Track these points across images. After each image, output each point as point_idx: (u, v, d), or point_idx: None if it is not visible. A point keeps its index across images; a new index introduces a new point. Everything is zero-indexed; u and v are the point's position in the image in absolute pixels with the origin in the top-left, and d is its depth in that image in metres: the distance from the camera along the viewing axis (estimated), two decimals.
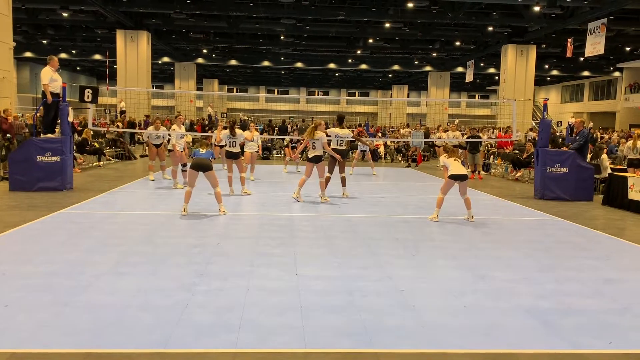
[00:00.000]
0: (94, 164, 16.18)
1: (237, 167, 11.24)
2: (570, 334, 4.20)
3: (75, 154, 14.40)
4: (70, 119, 12.38)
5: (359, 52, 35.12)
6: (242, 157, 11.60)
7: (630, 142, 14.72)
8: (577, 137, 12.11)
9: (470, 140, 16.66)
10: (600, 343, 4.04)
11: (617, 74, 40.13)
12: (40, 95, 11.97)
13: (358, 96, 62.72)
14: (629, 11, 23.11)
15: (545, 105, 13.13)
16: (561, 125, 34.91)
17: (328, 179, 10.72)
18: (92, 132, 16.78)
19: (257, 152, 13.93)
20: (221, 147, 12.79)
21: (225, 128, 11.60)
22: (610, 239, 7.90)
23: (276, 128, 25.40)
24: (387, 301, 4.82)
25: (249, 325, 4.17)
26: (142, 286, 5.02)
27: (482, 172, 16.84)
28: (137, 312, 4.38)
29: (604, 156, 14.28)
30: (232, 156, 11.13)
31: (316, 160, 10.26)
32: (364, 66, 40.50)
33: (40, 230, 7.33)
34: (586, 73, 41.02)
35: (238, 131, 11.23)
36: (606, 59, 35.12)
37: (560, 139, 19.06)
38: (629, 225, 9.17)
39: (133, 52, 27.44)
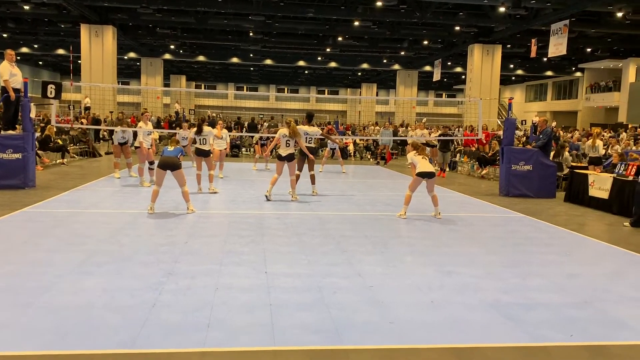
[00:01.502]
0: (58, 161, 15.78)
1: (207, 164, 11.15)
2: (533, 327, 4.31)
3: (39, 152, 14.04)
4: (33, 115, 12.06)
5: (328, 49, 35.17)
6: (212, 155, 11.50)
7: (590, 141, 15.18)
8: (541, 136, 12.42)
9: (442, 138, 16.89)
10: (561, 336, 4.16)
11: (578, 74, 41.26)
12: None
13: (327, 94, 62.81)
14: (590, 13, 23.79)
15: (510, 104, 13.42)
16: (525, 124, 35.72)
17: (297, 177, 10.72)
18: (55, 129, 16.36)
19: (226, 149, 13.84)
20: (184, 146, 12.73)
21: (193, 126, 11.48)
22: (571, 235, 8.13)
23: (245, 125, 25.21)
24: (356, 298, 4.86)
25: (218, 324, 4.15)
26: (107, 286, 4.94)
27: (447, 170, 17.09)
28: (103, 312, 4.30)
29: (567, 154, 14.69)
30: (202, 154, 11.04)
31: (289, 158, 10.22)
32: (333, 64, 40.56)
33: (0, 230, 7.12)
34: (549, 73, 42.04)
35: (206, 128, 11.13)
36: (568, 60, 36.05)
37: (525, 138, 19.49)
38: (589, 221, 9.45)
39: (98, 47, 26.83)
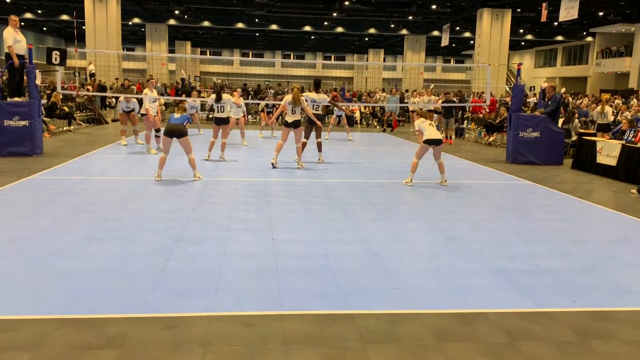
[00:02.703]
0: (64, 128, 15.81)
1: (223, 132, 11.07)
2: (537, 293, 4.35)
3: (45, 119, 14.04)
4: (38, 81, 12.01)
5: (334, 14, 34.54)
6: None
7: (599, 107, 15.00)
8: (549, 102, 12.27)
9: (445, 105, 16.74)
10: (565, 302, 4.19)
11: (589, 39, 40.44)
12: (3, 57, 11.55)
13: (334, 60, 62.01)
14: None
15: (519, 70, 13.22)
16: (534, 90, 35.28)
17: (304, 145, 10.69)
18: (61, 96, 16.33)
19: (243, 117, 13.93)
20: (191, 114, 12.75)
21: (199, 94, 11.43)
22: (578, 202, 8.12)
23: (251, 92, 25.04)
24: (362, 264, 4.91)
25: (225, 289, 4.21)
26: (116, 252, 5.00)
27: (452, 137, 16.98)
28: (112, 277, 4.37)
29: (577, 121, 14.56)
30: (220, 121, 10.96)
31: (295, 125, 10.18)
32: (340, 29, 39.93)
33: (9, 197, 7.19)
34: (560, 38, 41.23)
35: (225, 96, 11.09)
36: (579, 24, 35.27)
37: (534, 104, 19.29)
38: (596, 188, 9.42)
39: (102, 12, 26.50)
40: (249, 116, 22.51)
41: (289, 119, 10.16)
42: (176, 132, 8.46)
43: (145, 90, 12.29)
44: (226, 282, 4.33)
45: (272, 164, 10.21)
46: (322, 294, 4.18)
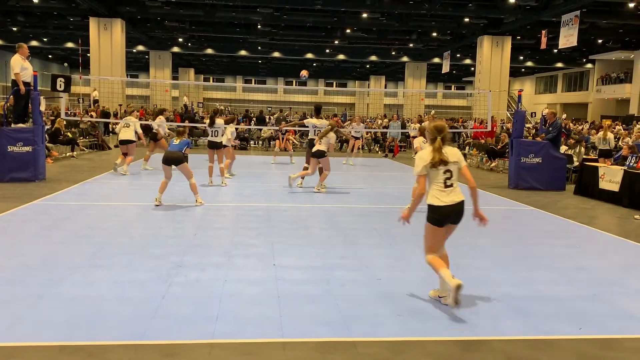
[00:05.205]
0: (67, 154, 15.88)
1: (218, 157, 11.14)
2: (542, 320, 4.30)
3: (48, 145, 14.14)
4: (43, 108, 12.17)
5: (336, 42, 35.03)
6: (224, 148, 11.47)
7: (600, 133, 15.06)
8: (550, 129, 12.32)
9: (452, 130, 16.84)
10: (570, 329, 4.14)
11: (589, 65, 40.85)
12: (10, 84, 11.70)
13: (336, 86, 62.63)
14: (601, 4, 23.50)
15: (519, 97, 13.31)
16: (535, 116, 35.49)
17: (306, 170, 10.74)
18: (65, 122, 16.46)
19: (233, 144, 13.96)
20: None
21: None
22: (581, 228, 8.08)
23: (254, 118, 25.22)
24: (364, 290, 4.87)
25: (227, 316, 4.17)
26: (118, 278, 4.98)
27: None
28: (113, 304, 4.34)
29: (582, 149, 14.65)
30: (214, 146, 11.02)
31: (319, 155, 10.26)
32: (341, 56, 40.43)
33: (12, 222, 7.19)
34: (560, 64, 41.66)
35: (218, 121, 11.14)
36: (579, 51, 35.70)
37: (535, 130, 19.38)
38: (599, 214, 9.39)
39: (107, 40, 26.89)
40: (252, 142, 22.59)
41: (314, 148, 10.36)
42: (173, 159, 8.42)
43: (133, 117, 12.95)
44: (227, 309, 4.30)
45: (296, 186, 10.72)
46: (324, 320, 4.14)
